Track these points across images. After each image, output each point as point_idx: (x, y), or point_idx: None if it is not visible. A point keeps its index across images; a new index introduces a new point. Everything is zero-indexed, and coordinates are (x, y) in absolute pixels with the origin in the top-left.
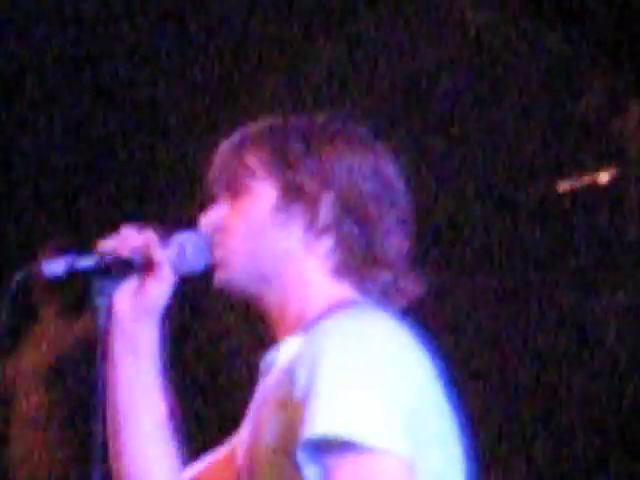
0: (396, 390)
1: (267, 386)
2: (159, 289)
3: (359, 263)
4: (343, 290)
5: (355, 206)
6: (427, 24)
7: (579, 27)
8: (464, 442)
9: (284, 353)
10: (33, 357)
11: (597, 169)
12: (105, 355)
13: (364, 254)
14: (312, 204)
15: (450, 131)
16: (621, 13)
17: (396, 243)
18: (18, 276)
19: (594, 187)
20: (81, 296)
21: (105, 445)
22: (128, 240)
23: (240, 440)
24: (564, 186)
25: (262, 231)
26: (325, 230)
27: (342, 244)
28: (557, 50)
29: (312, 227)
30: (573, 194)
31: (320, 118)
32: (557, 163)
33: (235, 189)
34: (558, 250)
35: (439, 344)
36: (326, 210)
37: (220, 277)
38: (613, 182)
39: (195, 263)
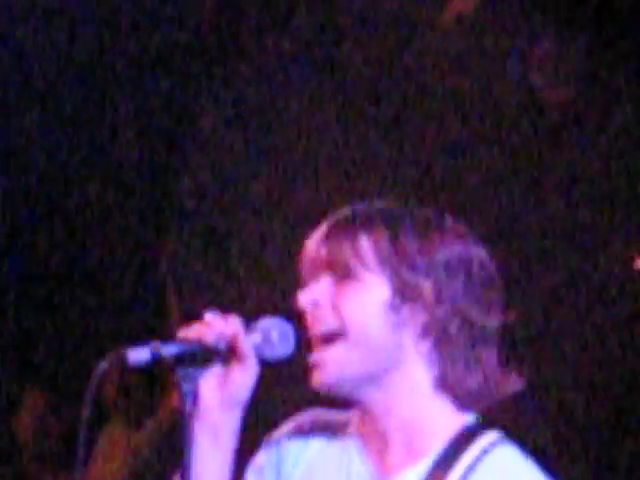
0: None
1: None
2: (245, 379)
3: (458, 375)
4: (450, 406)
5: (461, 309)
6: None
7: None
8: None
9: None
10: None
11: None
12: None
13: (465, 361)
14: (423, 308)
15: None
16: None
17: (494, 344)
18: (104, 363)
19: None
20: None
21: None
22: (213, 327)
23: None
24: None
25: (378, 324)
26: (433, 334)
27: (445, 350)
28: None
29: (424, 331)
30: None
31: (426, 212)
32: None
33: (344, 273)
34: None
35: None
36: (435, 315)
37: (321, 379)
38: None
39: (281, 350)
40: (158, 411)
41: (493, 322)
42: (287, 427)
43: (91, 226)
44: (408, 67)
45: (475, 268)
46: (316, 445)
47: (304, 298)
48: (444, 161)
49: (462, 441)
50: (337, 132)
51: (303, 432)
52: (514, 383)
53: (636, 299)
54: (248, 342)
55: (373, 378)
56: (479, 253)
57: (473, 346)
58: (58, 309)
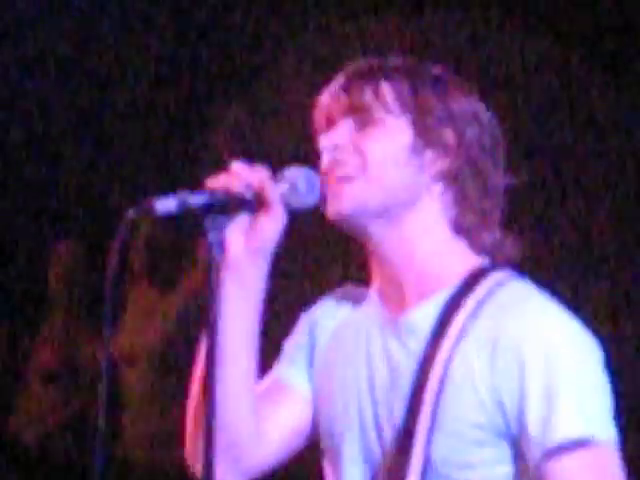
0: (607, 388)
1: (447, 347)
2: (272, 227)
3: (473, 221)
4: (466, 250)
5: (475, 159)
6: None
7: None
8: None
9: (427, 317)
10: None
11: None
12: (217, 288)
13: (478, 211)
14: (444, 154)
15: None
16: None
17: (500, 203)
18: (131, 213)
19: None
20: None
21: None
22: (240, 176)
23: (322, 386)
24: None
25: (399, 165)
26: (450, 180)
27: (460, 197)
28: None
29: (441, 175)
30: None
31: (440, 67)
32: None
33: (365, 118)
34: None
35: None
36: (454, 161)
37: (338, 208)
38: None
39: (307, 199)
40: (186, 276)
41: (500, 179)
42: (321, 302)
43: None
44: None
45: (486, 122)
46: (342, 315)
47: (325, 142)
48: None
49: (477, 277)
50: None
51: (333, 305)
52: (511, 249)
53: None
54: (275, 191)
55: (390, 214)
56: (486, 111)
57: (484, 198)
58: (87, 160)
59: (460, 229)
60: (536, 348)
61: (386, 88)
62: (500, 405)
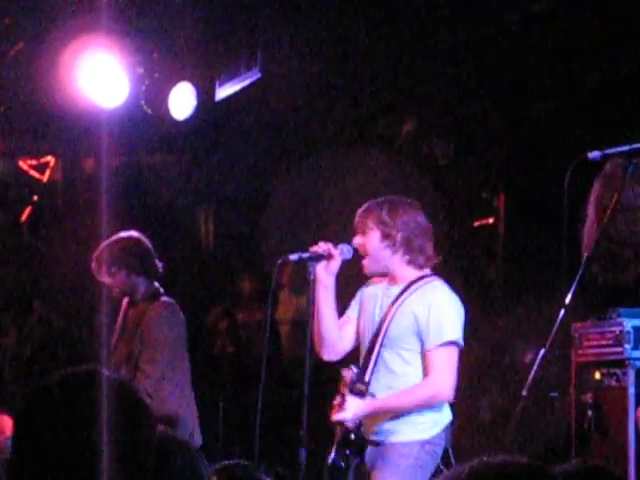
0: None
1: (399, 307)
2: (335, 266)
3: (415, 259)
4: (414, 271)
5: (410, 238)
6: None
7: None
8: None
9: (394, 290)
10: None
11: None
12: (316, 294)
13: (417, 255)
14: (394, 241)
15: None
16: None
17: (429, 250)
18: (279, 261)
19: None
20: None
21: None
22: (322, 246)
23: (362, 310)
24: None
25: (378, 252)
26: (400, 248)
27: (408, 252)
28: None
29: (395, 248)
30: None
31: (394, 201)
32: None
33: (364, 231)
34: None
35: None
36: (400, 242)
37: (365, 266)
38: None
39: (348, 256)
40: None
41: (429, 251)
42: (361, 288)
43: None
44: None
45: (420, 222)
46: (368, 289)
47: (355, 241)
48: None
49: (417, 279)
50: None
51: (365, 288)
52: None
53: None
54: (336, 252)
55: (387, 267)
56: (423, 218)
57: (418, 251)
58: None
59: (410, 262)
60: (435, 301)
61: (369, 219)
62: (418, 323)
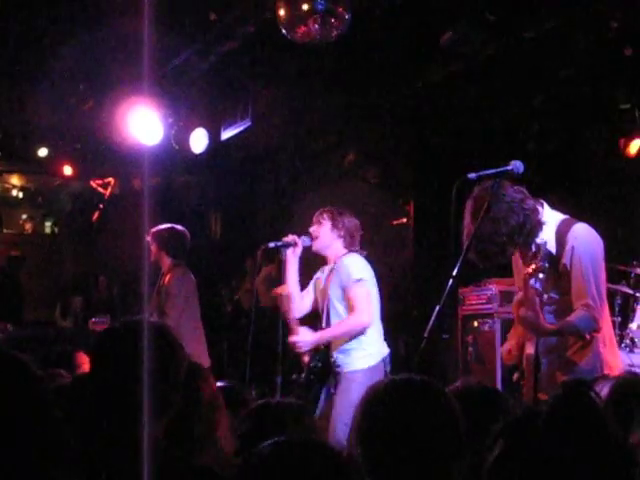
0: (370, 273)
1: (331, 275)
2: (298, 251)
3: (349, 244)
4: (345, 250)
5: (348, 229)
6: None
7: None
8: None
9: (330, 267)
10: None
11: None
12: (286, 269)
13: (350, 241)
14: (340, 231)
15: None
16: None
17: (357, 238)
18: (262, 247)
19: None
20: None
21: None
22: (290, 237)
23: (315, 288)
24: None
25: (327, 237)
26: (342, 237)
27: (346, 238)
28: None
29: (340, 236)
30: None
31: (339, 208)
32: None
33: (319, 223)
34: None
35: None
36: (344, 232)
37: (314, 246)
38: None
39: (307, 243)
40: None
41: (357, 239)
42: (318, 270)
43: None
44: None
45: (350, 222)
46: (319, 272)
47: (312, 229)
48: None
49: (344, 255)
50: None
51: (320, 269)
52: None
53: None
54: (299, 241)
55: (328, 248)
56: (355, 220)
57: (350, 235)
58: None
59: (346, 246)
60: (347, 261)
61: (323, 217)
62: (340, 281)
